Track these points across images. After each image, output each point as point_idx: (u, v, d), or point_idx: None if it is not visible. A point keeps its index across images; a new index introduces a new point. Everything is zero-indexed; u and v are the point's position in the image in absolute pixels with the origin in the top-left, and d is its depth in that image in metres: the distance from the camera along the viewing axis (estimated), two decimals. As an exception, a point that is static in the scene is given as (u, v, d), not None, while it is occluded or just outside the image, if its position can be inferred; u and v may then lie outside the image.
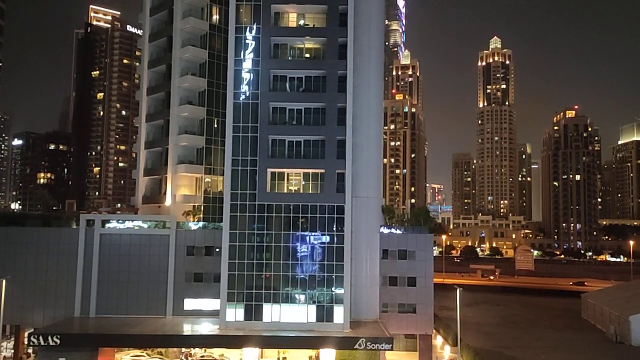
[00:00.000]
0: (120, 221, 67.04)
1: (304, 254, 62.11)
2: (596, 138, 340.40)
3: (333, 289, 61.16)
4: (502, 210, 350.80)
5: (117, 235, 65.39)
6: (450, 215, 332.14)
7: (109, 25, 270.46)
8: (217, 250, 63.91)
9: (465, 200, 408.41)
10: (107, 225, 65.91)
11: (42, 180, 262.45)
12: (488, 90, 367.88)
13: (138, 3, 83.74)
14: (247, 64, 64.39)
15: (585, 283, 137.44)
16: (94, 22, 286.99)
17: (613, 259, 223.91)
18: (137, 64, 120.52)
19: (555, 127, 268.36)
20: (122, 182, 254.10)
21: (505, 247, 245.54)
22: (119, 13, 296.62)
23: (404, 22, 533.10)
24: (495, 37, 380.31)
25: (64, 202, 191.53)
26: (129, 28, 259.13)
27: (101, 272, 64.38)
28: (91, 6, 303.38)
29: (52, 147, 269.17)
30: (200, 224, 68.67)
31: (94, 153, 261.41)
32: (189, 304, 64.54)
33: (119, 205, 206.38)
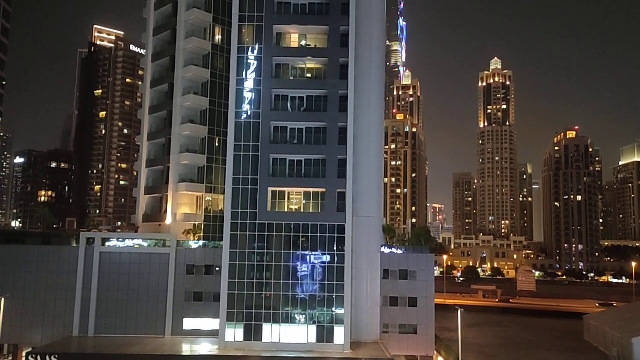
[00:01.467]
0: (120, 239, 66.95)
1: (304, 273, 61.81)
2: (597, 159, 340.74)
3: (333, 309, 60.73)
4: (503, 231, 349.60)
5: (117, 253, 65.22)
6: (451, 235, 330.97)
7: (112, 45, 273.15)
8: (217, 269, 63.70)
9: (467, 220, 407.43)
10: (107, 243, 65.78)
11: (43, 198, 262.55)
12: (489, 111, 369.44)
13: (142, 23, 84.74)
14: (249, 84, 64.85)
15: (614, 304, 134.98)
16: (98, 42, 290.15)
17: (615, 281, 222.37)
18: (140, 83, 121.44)
19: (556, 148, 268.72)
20: (122, 200, 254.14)
21: (506, 267, 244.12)
22: (122, 33, 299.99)
23: (404, 43, 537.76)
24: (495, 58, 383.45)
25: (65, 220, 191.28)
26: (132, 48, 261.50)
27: (100, 290, 64.09)
28: (95, 26, 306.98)
29: (53, 165, 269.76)
30: (201, 242, 68.51)
31: (95, 171, 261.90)
32: (189, 323, 64.08)
33: (119, 223, 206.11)
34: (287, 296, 61.21)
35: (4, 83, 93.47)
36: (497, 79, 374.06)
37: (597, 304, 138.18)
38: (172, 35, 78.40)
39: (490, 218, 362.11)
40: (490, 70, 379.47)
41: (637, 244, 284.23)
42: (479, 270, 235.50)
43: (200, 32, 76.90)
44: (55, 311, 63.38)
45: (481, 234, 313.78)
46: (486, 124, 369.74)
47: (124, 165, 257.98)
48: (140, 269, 64.80)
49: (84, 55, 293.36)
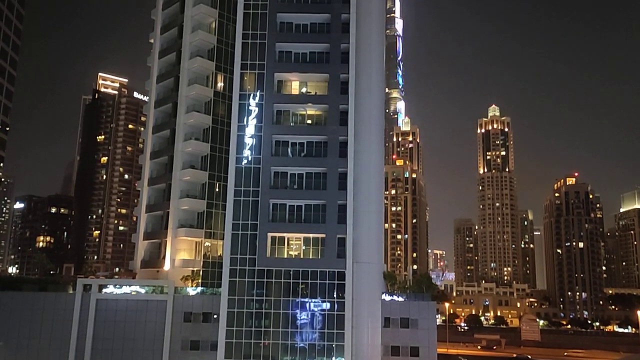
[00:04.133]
0: (117, 286, 65.96)
1: (303, 321, 60.62)
2: (598, 205, 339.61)
3: (334, 358, 59.16)
4: (505, 278, 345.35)
5: (114, 300, 64.11)
6: (453, 282, 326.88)
7: (116, 92, 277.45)
8: (215, 316, 62.45)
9: (468, 267, 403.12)
10: (104, 290, 64.78)
11: (41, 244, 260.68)
12: (488, 157, 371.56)
13: (145, 71, 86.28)
14: (250, 129, 65.42)
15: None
16: (102, 89, 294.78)
17: (621, 330, 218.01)
18: (142, 129, 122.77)
19: (556, 194, 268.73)
20: (121, 246, 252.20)
21: (510, 316, 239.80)
22: (126, 80, 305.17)
23: (402, 89, 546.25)
24: (493, 105, 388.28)
25: (62, 266, 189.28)
26: (136, 94, 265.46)
27: (95, 340, 62.63)
28: (100, 74, 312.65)
29: (53, 210, 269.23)
30: (199, 289, 67.49)
31: (94, 216, 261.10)
32: (185, 373, 62.32)
33: (117, 269, 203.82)
34: (286, 345, 59.83)
35: (7, 129, 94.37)
36: (495, 126, 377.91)
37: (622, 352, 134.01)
38: (175, 83, 79.62)
39: (492, 265, 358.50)
40: (489, 117, 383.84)
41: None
42: (482, 318, 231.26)
43: (203, 79, 78.12)
44: (48, 360, 61.74)
45: (483, 281, 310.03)
46: (486, 170, 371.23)
47: (123, 211, 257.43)
48: (136, 317, 63.52)
49: (87, 102, 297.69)
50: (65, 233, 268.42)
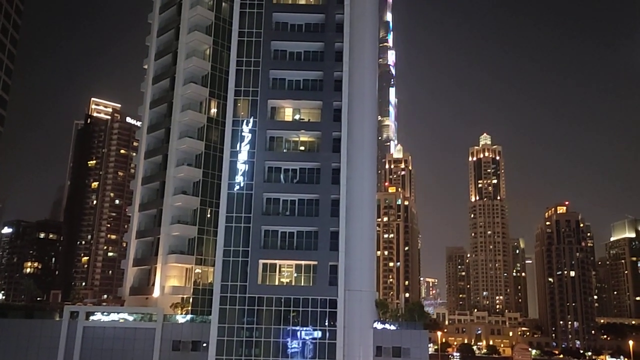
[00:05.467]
0: (105, 313, 64.84)
1: (294, 350, 59.73)
2: (588, 234, 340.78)
3: (325, 388, 58.12)
4: (497, 306, 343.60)
5: (101, 328, 62.92)
6: (445, 310, 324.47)
7: (108, 117, 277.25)
8: (205, 345, 61.35)
9: (460, 295, 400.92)
10: (92, 317, 63.62)
11: (28, 270, 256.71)
12: (479, 185, 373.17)
13: (139, 96, 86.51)
14: (243, 156, 65.40)
15: None
16: (94, 114, 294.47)
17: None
18: (134, 154, 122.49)
19: (547, 223, 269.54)
20: (110, 272, 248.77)
21: (502, 345, 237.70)
22: (119, 105, 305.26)
23: (396, 118, 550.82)
24: (484, 133, 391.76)
25: (49, 292, 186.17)
26: (128, 120, 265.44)
27: (81, 368, 61.17)
28: (92, 98, 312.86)
29: (42, 235, 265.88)
30: (188, 316, 66.46)
31: (83, 242, 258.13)
32: (172, 404, 60.88)
33: (105, 296, 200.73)
34: (277, 374, 58.70)
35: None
36: (487, 154, 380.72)
37: None
38: (169, 109, 79.77)
39: (485, 293, 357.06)
40: (480, 146, 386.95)
41: (633, 322, 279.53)
42: (475, 347, 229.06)
43: (196, 105, 78.35)
44: (31, 390, 60.20)
45: (475, 310, 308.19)
46: (477, 198, 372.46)
47: (113, 236, 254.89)
48: (124, 345, 62.27)
49: (79, 126, 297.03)
50: (54, 259, 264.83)
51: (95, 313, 64.60)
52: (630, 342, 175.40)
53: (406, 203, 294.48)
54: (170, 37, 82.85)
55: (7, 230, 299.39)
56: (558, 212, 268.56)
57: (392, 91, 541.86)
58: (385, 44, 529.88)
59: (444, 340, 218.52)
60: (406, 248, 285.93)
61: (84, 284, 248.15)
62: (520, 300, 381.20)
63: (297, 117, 70.12)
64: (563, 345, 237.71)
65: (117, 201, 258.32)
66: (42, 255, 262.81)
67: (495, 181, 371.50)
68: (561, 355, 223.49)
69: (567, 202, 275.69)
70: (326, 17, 69.97)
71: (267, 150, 66.75)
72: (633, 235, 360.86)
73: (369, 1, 72.87)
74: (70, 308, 65.73)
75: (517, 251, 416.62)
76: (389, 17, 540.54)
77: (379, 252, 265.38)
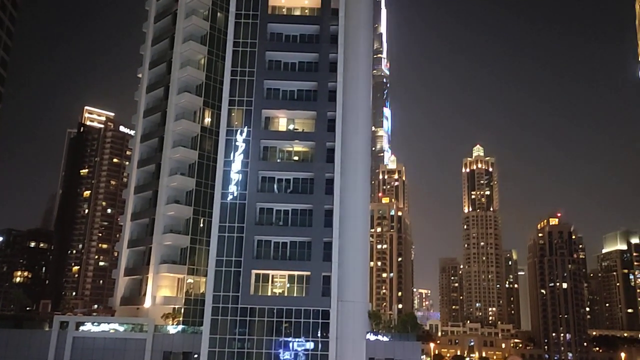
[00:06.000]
0: (95, 323, 64.15)
1: (287, 361, 59.17)
2: (580, 246, 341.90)
3: (317, 400, 57.65)
4: (490, 318, 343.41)
5: (91, 338, 62.20)
6: (438, 322, 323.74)
7: (102, 126, 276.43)
8: (196, 356, 60.80)
9: (453, 307, 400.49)
10: (82, 327, 62.91)
11: (18, 279, 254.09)
12: (473, 196, 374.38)
13: (133, 105, 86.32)
14: (236, 165, 65.25)
15: None
16: (88, 122, 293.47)
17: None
18: (127, 163, 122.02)
19: (540, 234, 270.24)
20: (101, 282, 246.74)
21: (495, 357, 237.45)
22: (112, 114, 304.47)
23: (390, 128, 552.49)
24: (477, 145, 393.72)
25: (39, 302, 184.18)
26: (122, 128, 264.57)
27: (70, 379, 60.37)
28: (86, 107, 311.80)
29: (32, 244, 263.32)
30: (180, 327, 65.89)
31: (74, 251, 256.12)
32: (162, 416, 60.18)
33: (95, 306, 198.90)
34: (269, 386, 58.18)
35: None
36: (480, 165, 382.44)
37: None
38: (162, 118, 79.60)
39: (477, 305, 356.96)
40: (473, 157, 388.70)
41: (625, 334, 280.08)
42: (467, 359, 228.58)
43: (190, 114, 78.23)
44: (19, 401, 59.34)
45: (468, 321, 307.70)
46: (471, 209, 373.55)
47: (104, 246, 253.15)
48: (114, 356, 61.56)
49: (72, 135, 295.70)
50: (44, 268, 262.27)
51: (85, 323, 63.87)
52: (623, 355, 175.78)
53: (399, 214, 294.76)
54: (165, 47, 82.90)
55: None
56: (550, 223, 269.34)
57: (386, 102, 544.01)
58: (380, 55, 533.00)
59: (436, 352, 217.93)
60: (399, 259, 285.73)
61: (74, 293, 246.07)
62: (513, 311, 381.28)
63: (291, 127, 70.16)
64: (555, 358, 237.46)
65: (109, 210, 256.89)
66: (32, 265, 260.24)
67: (488, 192, 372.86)
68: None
69: (559, 214, 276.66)
70: (321, 29, 70.26)
71: (260, 160, 66.64)
72: (625, 247, 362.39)
73: (363, 13, 73.29)
74: (60, 318, 64.99)
75: (510, 262, 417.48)
76: (383, 29, 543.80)
77: (372, 263, 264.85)
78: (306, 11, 73.48)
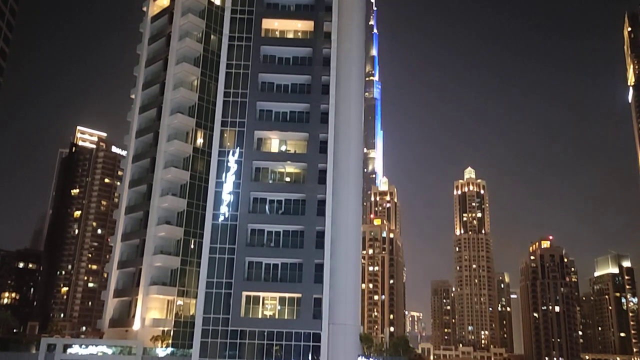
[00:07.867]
0: (83, 346, 63.19)
1: (277, 385, 58.41)
2: (572, 269, 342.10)
3: None
4: (483, 341, 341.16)
5: (78, 361, 61.14)
6: (430, 345, 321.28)
7: (94, 146, 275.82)
8: (185, 379, 59.86)
9: (445, 330, 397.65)
10: (69, 350, 61.92)
11: (5, 300, 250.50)
12: (464, 218, 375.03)
13: (125, 125, 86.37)
14: (228, 186, 65.19)
15: None
16: (80, 143, 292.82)
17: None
18: (118, 183, 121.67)
19: (532, 257, 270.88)
20: (89, 303, 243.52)
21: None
22: (105, 134, 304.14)
23: (382, 150, 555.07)
24: (469, 167, 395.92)
25: (26, 324, 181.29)
26: (114, 149, 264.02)
27: (55, 403, 59.26)
28: (78, 127, 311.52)
29: (21, 265, 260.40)
30: (169, 350, 65.03)
31: (63, 272, 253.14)
32: None
33: (84, 328, 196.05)
34: (258, 411, 57.31)
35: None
36: (471, 188, 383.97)
37: None
38: (155, 138, 79.65)
39: (470, 328, 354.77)
40: (465, 179, 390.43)
41: (618, 358, 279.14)
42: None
43: (182, 135, 78.37)
44: None
45: (461, 345, 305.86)
46: (462, 232, 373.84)
47: (94, 267, 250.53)
48: (101, 379, 60.54)
49: (64, 155, 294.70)
50: (32, 289, 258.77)
51: (73, 345, 62.88)
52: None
53: (391, 235, 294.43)
54: (159, 68, 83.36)
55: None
56: (542, 246, 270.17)
57: (378, 124, 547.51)
58: (372, 77, 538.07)
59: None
60: (391, 281, 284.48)
61: (62, 315, 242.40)
62: (505, 335, 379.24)
63: (283, 148, 70.39)
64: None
65: (99, 231, 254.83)
66: (20, 285, 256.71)
67: (479, 215, 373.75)
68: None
69: (551, 237, 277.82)
70: (313, 51, 71.03)
71: (252, 181, 66.67)
72: (616, 270, 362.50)
73: (355, 36, 74.22)
74: (48, 340, 63.93)
75: (502, 285, 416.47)
76: (375, 52, 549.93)
77: (363, 285, 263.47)
78: (299, 34, 74.35)
